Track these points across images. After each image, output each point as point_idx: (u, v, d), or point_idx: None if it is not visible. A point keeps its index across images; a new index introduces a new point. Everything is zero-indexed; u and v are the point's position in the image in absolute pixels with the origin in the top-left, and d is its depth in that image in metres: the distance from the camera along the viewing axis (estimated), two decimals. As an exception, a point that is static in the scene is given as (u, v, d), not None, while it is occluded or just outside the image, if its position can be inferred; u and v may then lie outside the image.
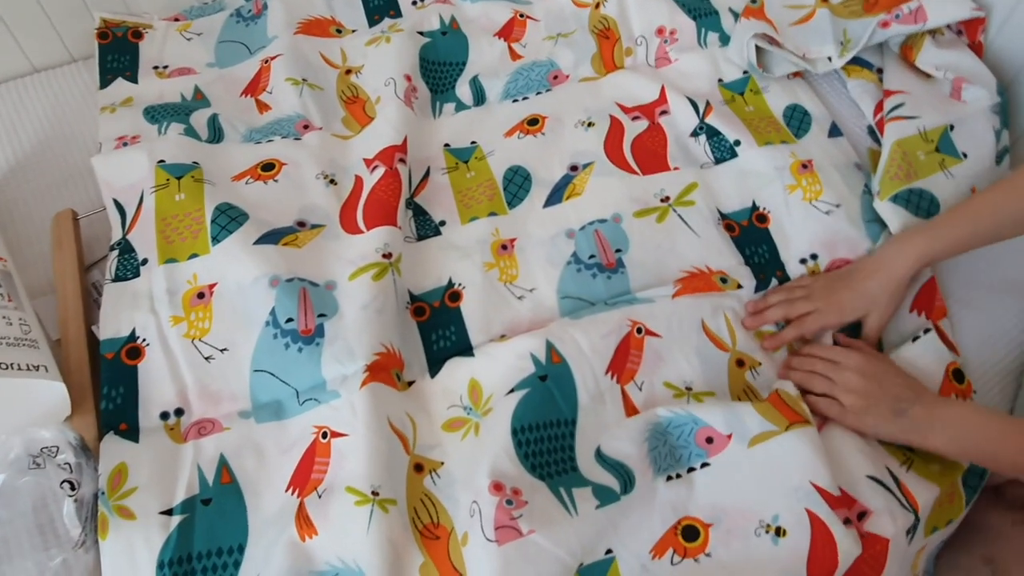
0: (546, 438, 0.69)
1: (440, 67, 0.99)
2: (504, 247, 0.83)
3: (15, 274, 0.73)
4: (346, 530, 0.63)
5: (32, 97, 0.96)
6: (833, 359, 0.74)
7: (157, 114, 0.89)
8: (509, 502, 0.64)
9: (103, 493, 0.64)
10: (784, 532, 0.66)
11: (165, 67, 0.97)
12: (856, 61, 0.98)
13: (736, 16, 1.00)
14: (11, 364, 0.62)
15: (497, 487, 0.65)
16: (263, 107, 0.93)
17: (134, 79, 0.95)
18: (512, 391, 0.71)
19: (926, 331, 0.79)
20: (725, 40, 1.00)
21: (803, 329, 0.78)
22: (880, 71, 0.98)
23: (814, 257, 0.84)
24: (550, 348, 0.73)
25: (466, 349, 0.77)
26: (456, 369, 0.75)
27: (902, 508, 0.68)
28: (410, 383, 0.75)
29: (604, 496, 0.68)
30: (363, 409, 0.68)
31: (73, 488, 0.60)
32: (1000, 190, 0.75)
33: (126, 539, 0.63)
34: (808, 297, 0.79)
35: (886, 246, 0.80)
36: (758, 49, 0.96)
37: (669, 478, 0.69)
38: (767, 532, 0.66)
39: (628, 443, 0.70)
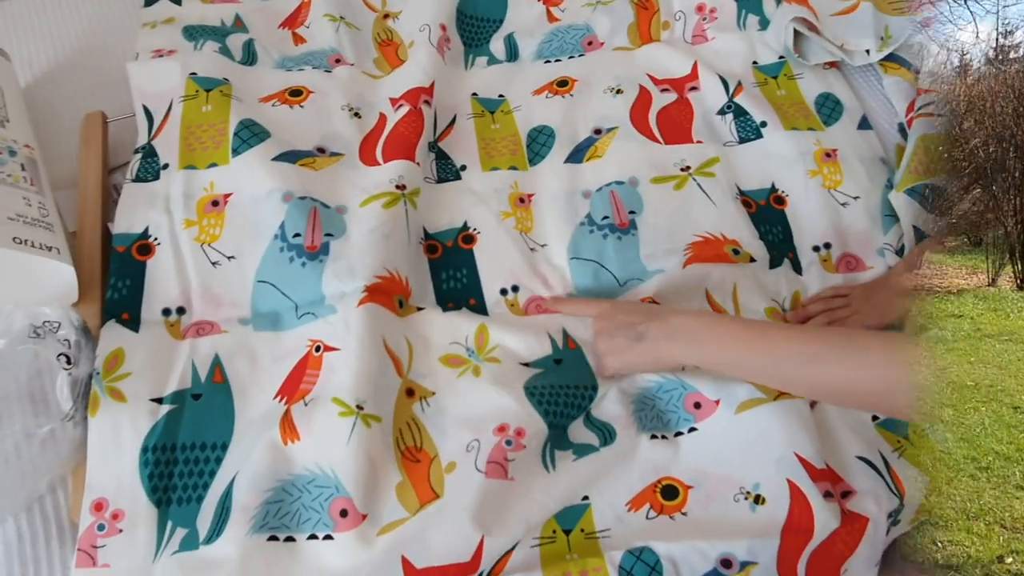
0: (562, 393, 0.69)
1: (477, 22, 1.00)
2: (522, 200, 0.84)
3: (41, 163, 0.74)
4: (327, 439, 0.63)
5: (78, 8, 0.98)
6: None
7: (195, 32, 0.91)
8: (508, 442, 0.65)
9: (98, 373, 0.65)
10: (763, 500, 0.66)
11: (211, -7, 0.99)
12: (894, 59, 0.97)
13: (778, 2, 1.00)
14: (25, 240, 0.64)
15: (501, 429, 0.66)
16: (299, 39, 0.95)
17: (178, 1, 0.97)
18: (528, 365, 0.71)
19: None
20: (764, 24, 1.00)
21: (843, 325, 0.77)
22: (918, 72, 0.97)
23: (827, 246, 0.83)
24: (566, 335, 0.74)
25: (476, 294, 0.77)
26: (468, 315, 0.75)
27: (888, 492, 0.67)
28: (419, 308, 0.75)
29: (582, 451, 0.68)
30: (356, 326, 0.68)
31: (69, 362, 0.62)
32: None
33: (114, 419, 0.64)
34: (848, 305, 0.79)
35: (916, 247, 0.80)
36: (796, 35, 0.95)
37: (653, 436, 0.69)
38: (746, 499, 0.66)
39: (616, 404, 0.70)
